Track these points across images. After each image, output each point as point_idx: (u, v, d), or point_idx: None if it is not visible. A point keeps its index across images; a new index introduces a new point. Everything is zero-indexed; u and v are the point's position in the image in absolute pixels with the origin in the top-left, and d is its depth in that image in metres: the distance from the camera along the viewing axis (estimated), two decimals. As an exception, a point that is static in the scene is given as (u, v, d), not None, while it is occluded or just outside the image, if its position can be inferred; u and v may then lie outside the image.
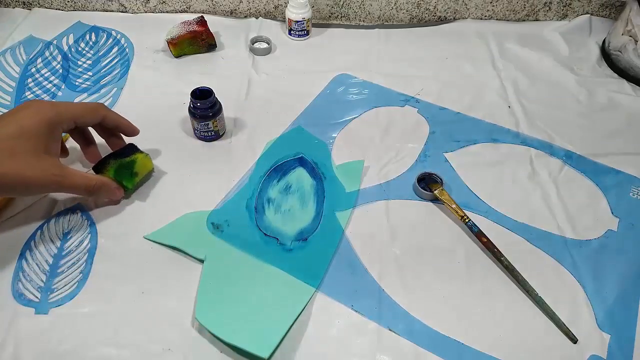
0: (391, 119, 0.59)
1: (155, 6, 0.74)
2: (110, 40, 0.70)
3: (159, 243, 0.45)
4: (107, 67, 0.65)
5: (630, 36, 0.64)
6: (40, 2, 0.74)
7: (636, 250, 0.46)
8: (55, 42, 0.69)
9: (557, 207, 0.49)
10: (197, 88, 0.52)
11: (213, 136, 0.54)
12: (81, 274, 0.43)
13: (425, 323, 0.40)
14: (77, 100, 0.60)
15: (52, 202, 0.48)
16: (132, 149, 0.48)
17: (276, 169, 0.52)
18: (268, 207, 0.48)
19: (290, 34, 0.70)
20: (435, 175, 0.51)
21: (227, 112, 0.56)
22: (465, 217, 0.46)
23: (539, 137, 0.57)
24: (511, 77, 0.65)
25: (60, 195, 0.49)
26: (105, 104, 0.59)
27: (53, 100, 0.60)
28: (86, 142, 0.49)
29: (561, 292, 0.43)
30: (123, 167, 0.47)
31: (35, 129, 0.39)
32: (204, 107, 0.51)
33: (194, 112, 0.52)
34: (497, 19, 0.75)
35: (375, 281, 0.43)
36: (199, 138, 0.55)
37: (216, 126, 0.53)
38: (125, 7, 0.74)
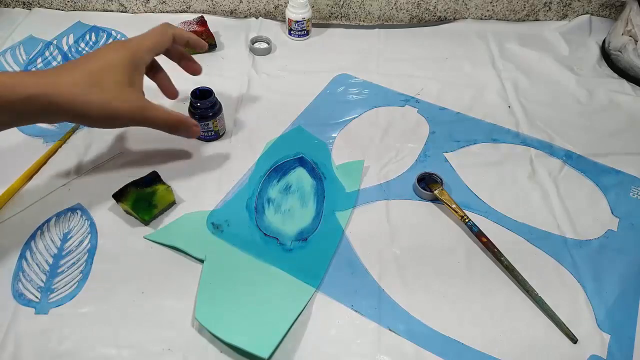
0: (391, 119, 0.59)
1: (155, 6, 0.74)
2: (110, 40, 0.70)
3: (159, 243, 0.45)
4: (107, 67, 0.65)
5: (630, 36, 0.64)
6: (40, 2, 0.74)
7: (636, 251, 0.46)
8: (55, 42, 0.69)
9: (557, 207, 0.49)
10: (197, 88, 0.52)
11: (213, 136, 0.54)
12: (81, 274, 0.43)
13: (425, 323, 0.40)
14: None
15: (51, 202, 0.48)
16: (155, 179, 0.46)
17: (276, 169, 0.52)
18: (268, 207, 0.48)
19: (290, 34, 0.70)
20: (435, 175, 0.51)
21: (227, 112, 0.56)
22: (465, 217, 0.47)
23: (539, 137, 0.57)
24: (511, 77, 0.65)
25: (60, 194, 0.49)
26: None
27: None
28: (156, 72, 0.49)
29: (561, 292, 0.43)
30: (142, 199, 0.45)
31: (120, 63, 0.40)
32: (204, 107, 0.51)
33: (193, 112, 0.52)
34: (497, 19, 0.75)
35: (375, 281, 0.43)
36: (199, 138, 0.55)
37: (216, 126, 0.53)
38: (125, 7, 0.74)
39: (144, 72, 0.44)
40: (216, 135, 0.55)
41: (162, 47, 0.45)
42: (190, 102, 0.52)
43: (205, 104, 0.51)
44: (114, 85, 0.39)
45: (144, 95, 0.43)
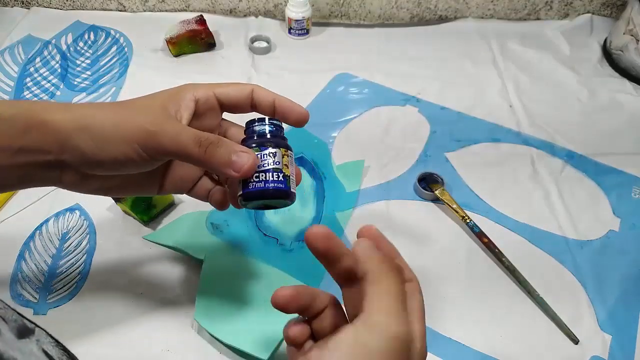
0: (392, 119, 0.58)
1: (154, 5, 0.74)
2: (109, 39, 0.69)
3: (158, 243, 0.45)
4: (106, 66, 0.65)
5: (632, 35, 0.63)
6: (39, 1, 0.74)
7: (638, 251, 0.46)
8: (54, 41, 0.69)
9: (558, 207, 0.49)
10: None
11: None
12: (80, 275, 0.42)
13: (426, 324, 0.40)
14: (75, 99, 0.60)
15: (51, 202, 0.48)
16: None
17: (276, 168, 0.51)
18: (268, 207, 0.48)
19: (290, 32, 0.70)
20: (436, 175, 0.50)
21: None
22: (466, 217, 0.46)
23: (540, 137, 0.56)
24: (512, 77, 0.65)
25: (58, 195, 0.48)
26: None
27: (53, 99, 0.60)
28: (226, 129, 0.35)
29: (562, 293, 0.42)
30: (141, 199, 0.45)
31: (164, 92, 0.31)
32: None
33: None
34: (498, 18, 0.74)
35: (375, 282, 0.43)
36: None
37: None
38: (124, 6, 0.74)
39: (193, 110, 0.31)
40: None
41: (229, 95, 0.33)
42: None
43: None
44: (138, 104, 0.29)
45: (177, 121, 0.29)
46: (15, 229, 0.46)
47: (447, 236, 0.47)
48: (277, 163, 0.29)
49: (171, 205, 0.48)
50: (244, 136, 0.31)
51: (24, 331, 0.22)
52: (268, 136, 0.30)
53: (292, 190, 0.29)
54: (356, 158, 0.53)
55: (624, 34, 0.64)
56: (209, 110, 0.32)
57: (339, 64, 0.66)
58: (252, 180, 0.28)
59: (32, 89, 0.61)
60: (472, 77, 0.65)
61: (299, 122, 0.33)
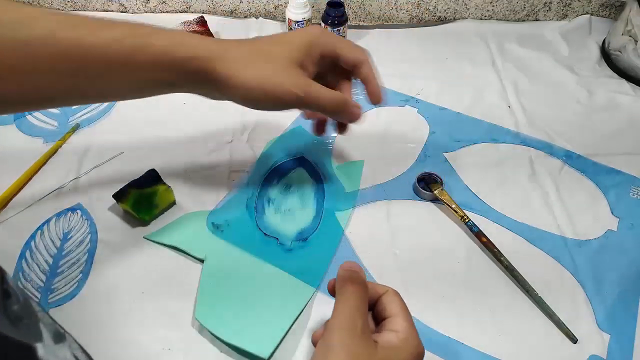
0: (391, 119, 0.59)
1: (155, 6, 0.74)
2: (110, 40, 0.69)
3: (159, 243, 0.45)
4: (107, 67, 0.65)
5: (630, 36, 0.64)
6: (40, 2, 0.74)
7: (636, 250, 0.46)
8: (55, 42, 0.69)
9: (557, 207, 0.49)
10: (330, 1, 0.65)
11: None
12: (81, 274, 0.43)
13: (425, 323, 0.40)
14: (77, 100, 0.60)
15: (52, 202, 0.48)
16: (155, 178, 0.46)
17: (276, 168, 0.52)
18: (268, 207, 0.48)
19: (290, 34, 0.70)
20: (435, 175, 0.51)
21: (228, 112, 0.56)
22: (465, 217, 0.47)
23: (539, 137, 0.57)
24: (511, 77, 0.65)
25: (60, 194, 0.49)
26: (106, 103, 0.60)
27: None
28: (342, 81, 0.43)
29: (561, 292, 0.43)
30: (142, 199, 0.45)
31: (296, 41, 0.38)
32: (339, 15, 0.64)
33: (327, 19, 0.65)
34: (497, 19, 0.75)
35: (375, 281, 0.43)
36: None
37: (344, 34, 0.66)
38: (126, 7, 0.74)
39: (318, 63, 0.39)
40: None
41: (345, 54, 0.40)
42: (325, 11, 0.64)
43: (340, 11, 0.64)
44: (281, 58, 0.36)
45: (309, 78, 0.38)
46: (17, 229, 0.46)
47: (446, 236, 0.47)
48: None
49: (172, 205, 0.48)
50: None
51: (58, 336, 0.22)
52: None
53: None
54: (356, 158, 0.53)
55: (622, 34, 0.65)
56: (329, 62, 0.40)
57: (339, 65, 0.66)
58: None
59: (34, 90, 0.62)
60: (471, 78, 0.65)
61: (374, 101, 0.43)
